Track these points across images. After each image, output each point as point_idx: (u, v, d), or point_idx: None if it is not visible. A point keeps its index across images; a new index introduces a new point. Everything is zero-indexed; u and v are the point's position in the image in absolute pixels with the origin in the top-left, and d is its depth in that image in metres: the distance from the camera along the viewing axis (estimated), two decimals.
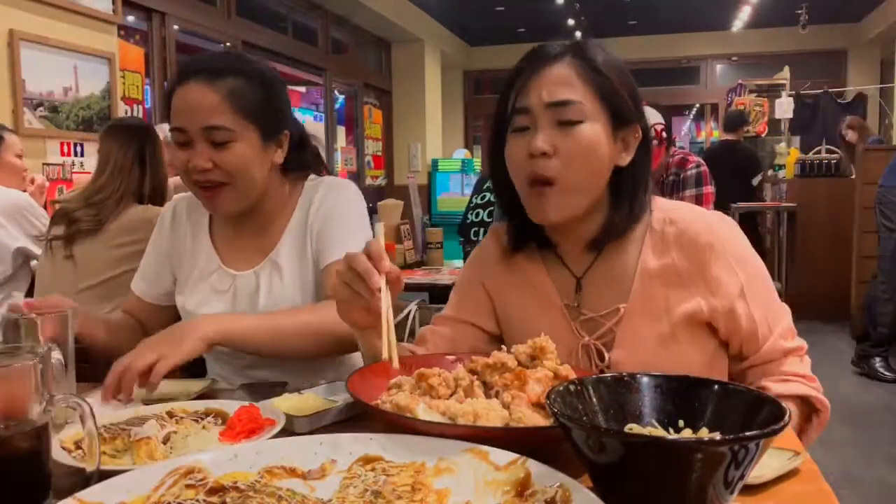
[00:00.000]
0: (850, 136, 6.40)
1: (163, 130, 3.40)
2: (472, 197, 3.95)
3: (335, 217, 1.40)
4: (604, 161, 1.09)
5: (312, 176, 1.48)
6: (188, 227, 1.48)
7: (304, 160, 1.46)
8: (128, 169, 2.42)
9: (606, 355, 1.12)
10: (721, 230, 1.12)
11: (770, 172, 7.58)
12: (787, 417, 0.66)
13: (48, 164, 3.73)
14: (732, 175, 5.75)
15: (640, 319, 1.11)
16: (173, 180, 2.74)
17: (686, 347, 1.10)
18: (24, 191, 3.05)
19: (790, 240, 6.28)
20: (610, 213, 1.13)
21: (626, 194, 1.12)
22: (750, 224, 6.79)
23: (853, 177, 5.89)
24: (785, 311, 1.15)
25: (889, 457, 3.26)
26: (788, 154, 7.09)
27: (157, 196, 2.48)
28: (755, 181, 6.34)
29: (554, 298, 1.18)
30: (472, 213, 3.80)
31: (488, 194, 3.80)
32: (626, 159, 1.11)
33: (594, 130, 1.07)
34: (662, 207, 1.16)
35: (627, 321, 1.12)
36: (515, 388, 0.89)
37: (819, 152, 6.72)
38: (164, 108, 1.38)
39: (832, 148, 6.68)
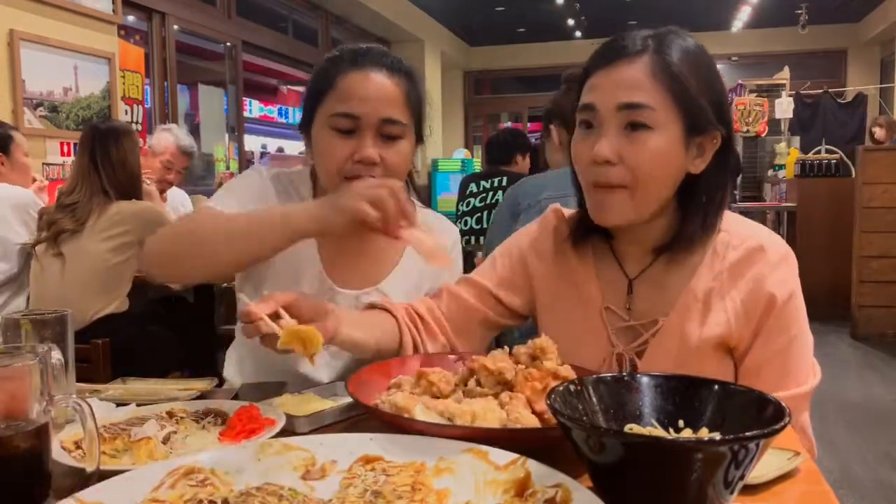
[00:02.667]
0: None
1: (177, 141, 3.43)
2: (457, 205, 3.86)
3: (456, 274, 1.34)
4: (673, 170, 1.03)
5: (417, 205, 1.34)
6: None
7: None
8: (85, 171, 2.59)
9: (639, 365, 1.09)
10: (786, 278, 1.05)
11: (770, 172, 7.59)
12: (787, 418, 0.66)
13: (48, 164, 3.73)
14: None
15: (674, 336, 1.08)
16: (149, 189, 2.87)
17: (706, 367, 1.06)
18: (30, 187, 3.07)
19: (790, 240, 6.26)
20: (679, 222, 1.08)
21: (697, 203, 1.06)
22: None
23: (853, 177, 5.90)
24: (804, 380, 1.07)
25: (889, 457, 3.25)
26: (788, 154, 7.09)
27: (124, 193, 2.58)
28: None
29: (596, 300, 1.14)
30: (460, 223, 3.74)
31: (473, 200, 3.74)
32: (699, 166, 1.05)
33: (664, 139, 1.01)
34: (732, 227, 1.10)
35: (662, 336, 1.08)
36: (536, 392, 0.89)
37: (819, 152, 6.73)
38: (319, 86, 1.24)
39: (832, 148, 6.69)
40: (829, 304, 5.84)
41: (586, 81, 1.06)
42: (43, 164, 3.70)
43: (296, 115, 8.97)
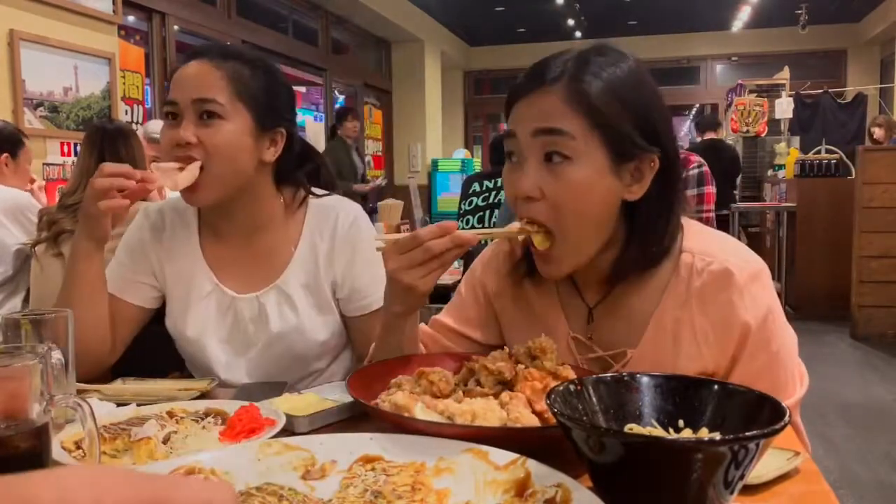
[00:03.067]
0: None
1: (145, 130, 3.44)
2: (460, 203, 3.86)
3: (367, 254, 1.34)
4: (600, 201, 0.97)
5: (314, 199, 1.39)
6: (173, 242, 1.38)
7: (296, 171, 1.38)
8: (90, 170, 2.54)
9: None
10: (757, 298, 1.00)
11: (770, 172, 7.59)
12: (787, 417, 0.66)
13: (48, 165, 3.73)
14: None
15: (646, 368, 1.00)
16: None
17: None
18: (26, 190, 3.07)
19: (790, 240, 6.28)
20: (623, 250, 1.02)
21: (640, 230, 1.01)
22: (748, 225, 6.82)
23: (853, 177, 5.90)
24: (793, 390, 1.03)
25: (889, 457, 3.25)
26: (788, 154, 7.09)
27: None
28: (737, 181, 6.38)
29: (562, 329, 1.10)
30: (462, 221, 3.74)
31: (475, 199, 3.74)
32: (636, 193, 0.99)
33: (587, 169, 0.95)
34: (695, 248, 1.03)
35: (633, 368, 1.04)
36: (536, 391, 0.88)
37: (819, 152, 6.73)
38: (164, 95, 1.35)
39: (832, 148, 6.69)
40: (828, 304, 5.84)
41: (510, 112, 1.01)
42: (43, 164, 3.69)
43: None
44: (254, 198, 1.32)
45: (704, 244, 1.04)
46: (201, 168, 1.23)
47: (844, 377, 4.47)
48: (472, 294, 1.21)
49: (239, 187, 1.28)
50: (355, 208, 1.40)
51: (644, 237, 1.01)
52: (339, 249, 1.35)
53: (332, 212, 1.37)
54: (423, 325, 1.25)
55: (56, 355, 0.93)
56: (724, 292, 1.00)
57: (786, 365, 1.03)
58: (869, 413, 3.83)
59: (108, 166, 1.22)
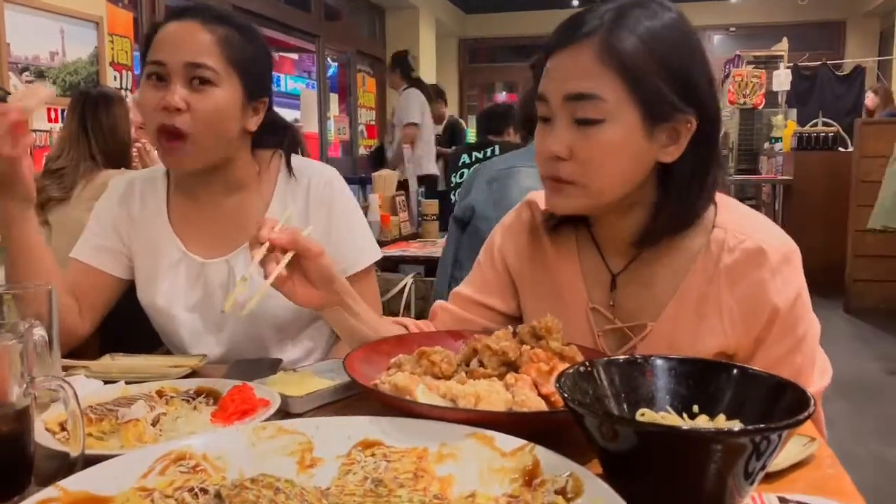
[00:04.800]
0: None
1: (135, 98, 3.36)
2: (449, 175, 3.81)
3: (343, 217, 1.34)
4: (634, 161, 0.94)
5: (284, 163, 1.38)
6: (141, 209, 1.36)
7: (271, 137, 1.37)
8: (74, 136, 2.52)
9: None
10: (789, 281, 0.98)
11: (766, 145, 7.55)
12: (811, 406, 0.62)
13: (35, 131, 3.65)
14: None
15: (664, 343, 1.00)
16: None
17: None
18: None
19: (786, 213, 6.26)
20: (653, 213, 0.99)
21: (671, 194, 0.97)
22: (744, 198, 6.78)
23: (850, 150, 5.86)
24: (815, 379, 1.03)
25: (884, 432, 3.27)
26: (785, 127, 7.04)
27: (112, 161, 2.55)
28: None
29: (581, 299, 1.07)
30: (454, 194, 3.69)
31: (466, 171, 3.69)
32: (673, 154, 0.95)
33: (619, 130, 0.91)
34: (729, 223, 1.00)
35: (651, 342, 1.02)
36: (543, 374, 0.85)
37: (816, 125, 6.68)
38: (143, 47, 1.27)
39: (829, 121, 6.64)
40: (824, 277, 5.82)
41: (546, 63, 0.97)
42: (30, 130, 3.61)
43: (287, 83, 8.84)
44: (231, 163, 1.31)
45: (739, 221, 1.01)
46: (187, 136, 1.19)
47: (837, 351, 4.47)
48: (490, 263, 1.18)
49: (221, 154, 1.27)
50: (329, 171, 1.39)
51: (677, 200, 0.97)
52: (314, 211, 1.33)
53: (304, 174, 1.36)
54: (440, 301, 1.22)
55: (39, 332, 0.89)
56: (755, 271, 0.97)
57: (810, 352, 1.01)
58: (861, 386, 3.84)
59: None
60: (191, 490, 0.65)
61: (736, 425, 0.66)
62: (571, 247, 1.10)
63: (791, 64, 8.33)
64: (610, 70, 0.90)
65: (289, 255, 0.94)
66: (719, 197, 1.03)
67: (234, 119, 1.24)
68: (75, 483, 0.64)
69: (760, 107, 7.96)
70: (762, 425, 0.60)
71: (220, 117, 1.21)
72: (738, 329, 0.99)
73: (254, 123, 1.29)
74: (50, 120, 3.75)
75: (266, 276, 0.93)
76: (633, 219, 1.01)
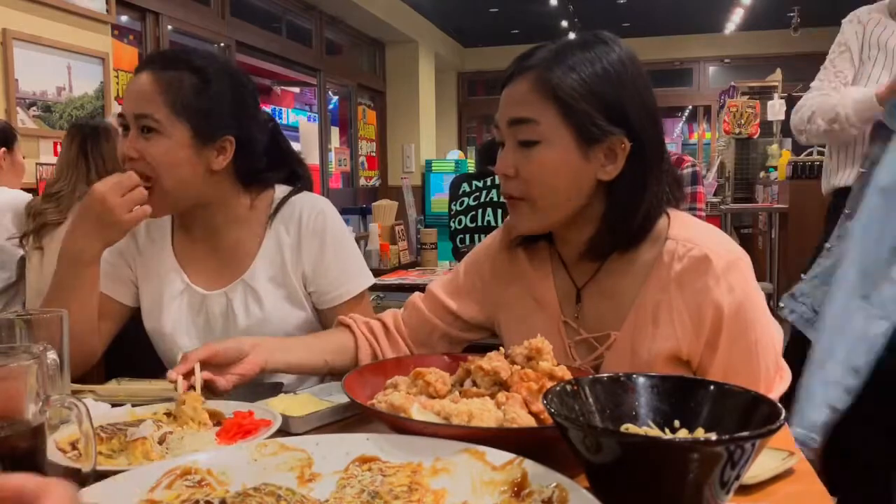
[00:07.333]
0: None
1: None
2: (450, 204, 3.88)
3: (335, 245, 1.38)
4: (574, 178, 1.04)
5: (280, 192, 1.41)
6: (147, 242, 1.42)
7: (265, 171, 1.39)
8: (74, 162, 2.58)
9: None
10: (734, 286, 1.03)
11: (762, 174, 7.62)
12: (782, 417, 0.66)
13: (41, 164, 3.71)
14: None
15: (626, 350, 1.08)
16: None
17: None
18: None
19: (782, 241, 6.30)
20: (601, 227, 1.08)
21: (617, 208, 1.06)
22: (740, 226, 6.83)
23: None
24: (772, 385, 1.07)
25: None
26: (780, 156, 7.12)
27: None
28: None
29: (554, 311, 1.16)
30: (454, 221, 3.75)
31: (466, 199, 3.75)
32: (611, 173, 1.05)
33: (555, 151, 1.03)
34: (680, 236, 1.07)
35: (616, 350, 1.09)
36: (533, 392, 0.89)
37: (811, 154, 6.75)
38: None
39: (824, 150, 6.70)
40: None
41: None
42: (36, 164, 3.67)
43: (289, 116, 8.96)
44: (215, 202, 1.35)
45: (689, 232, 1.08)
46: (150, 178, 1.26)
47: None
48: (465, 271, 1.28)
49: (192, 196, 1.32)
50: (321, 202, 1.43)
51: (618, 215, 1.07)
52: (306, 242, 1.38)
53: (296, 206, 1.40)
54: (417, 293, 1.30)
55: (51, 355, 0.92)
56: (701, 277, 1.04)
57: (765, 356, 1.05)
58: None
59: (124, 181, 1.24)
60: (196, 503, 0.68)
61: (712, 436, 0.69)
62: (546, 263, 1.19)
63: (785, 94, 8.43)
64: (544, 98, 1.03)
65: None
66: (673, 212, 1.11)
67: (188, 164, 1.27)
68: (87, 497, 0.68)
69: (756, 136, 8.05)
70: (736, 434, 0.63)
71: (171, 163, 1.25)
72: (688, 333, 1.05)
73: (220, 163, 1.30)
74: (56, 154, 3.81)
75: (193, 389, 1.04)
76: (586, 234, 1.10)
